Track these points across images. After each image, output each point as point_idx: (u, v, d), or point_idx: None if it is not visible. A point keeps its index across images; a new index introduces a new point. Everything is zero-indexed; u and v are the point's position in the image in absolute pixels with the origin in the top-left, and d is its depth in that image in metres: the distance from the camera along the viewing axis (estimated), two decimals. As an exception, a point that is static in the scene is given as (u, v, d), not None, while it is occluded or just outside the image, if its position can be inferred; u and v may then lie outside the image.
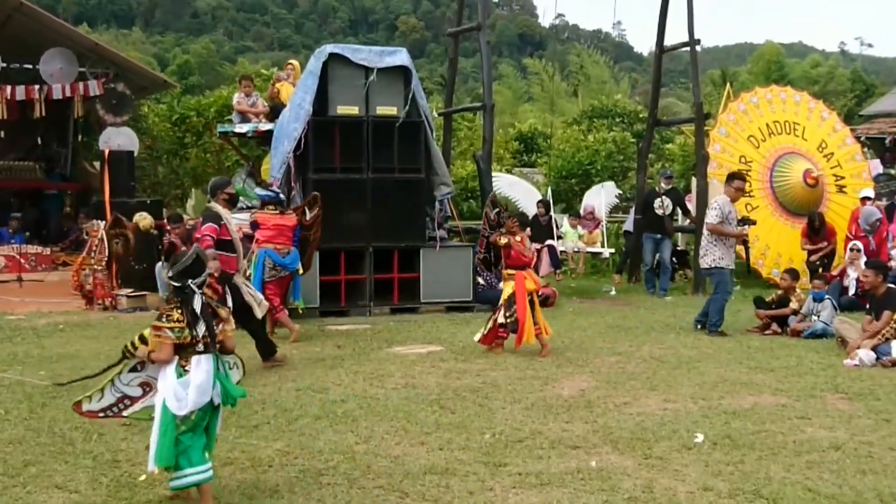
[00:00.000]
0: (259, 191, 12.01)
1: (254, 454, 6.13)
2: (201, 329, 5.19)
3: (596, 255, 17.83)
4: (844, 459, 6.08)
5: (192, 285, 5.24)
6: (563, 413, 7.32)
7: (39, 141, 22.01)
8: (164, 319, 5.18)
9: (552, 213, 16.54)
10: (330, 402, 7.70)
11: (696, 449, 6.30)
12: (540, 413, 7.31)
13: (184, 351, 5.18)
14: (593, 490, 5.48)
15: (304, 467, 5.89)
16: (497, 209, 13.54)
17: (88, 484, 5.51)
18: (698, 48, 16.50)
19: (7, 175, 21.25)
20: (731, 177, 12.10)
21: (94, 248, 13.99)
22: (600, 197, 17.53)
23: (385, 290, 13.29)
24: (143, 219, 14.22)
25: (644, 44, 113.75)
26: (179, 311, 5.18)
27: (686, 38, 16.39)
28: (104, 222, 14.34)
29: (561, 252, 16.39)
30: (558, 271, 16.37)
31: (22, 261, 16.62)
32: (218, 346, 5.31)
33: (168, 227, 14.20)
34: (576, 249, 16.68)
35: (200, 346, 5.19)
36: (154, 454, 5.09)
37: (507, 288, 10.12)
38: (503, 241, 10.18)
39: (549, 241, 16.08)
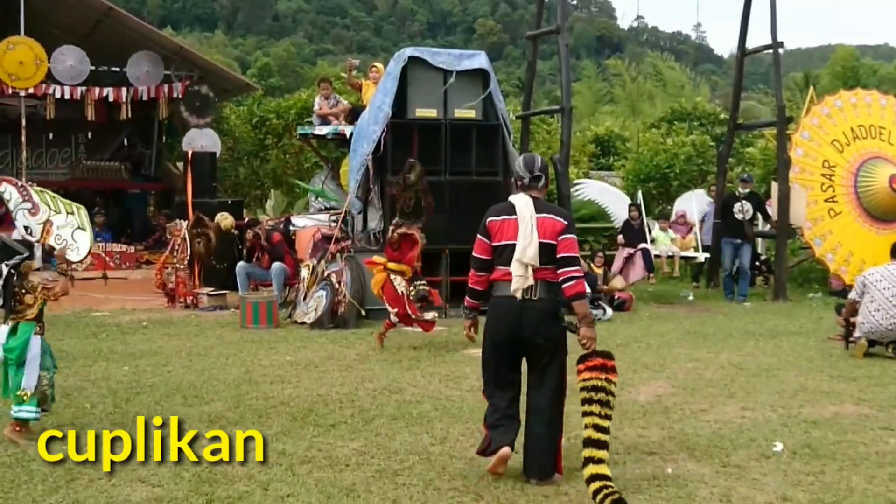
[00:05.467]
0: None
1: (331, 453, 6.21)
2: None
3: (690, 259, 17.67)
4: (929, 472, 5.94)
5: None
6: (638, 419, 7.28)
7: (125, 142, 22.57)
8: None
9: (644, 216, 16.38)
10: (406, 402, 7.77)
11: (774, 458, 6.21)
12: (615, 418, 7.20)
13: None
14: (669, 497, 5.44)
15: (381, 467, 5.94)
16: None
17: (171, 479, 5.63)
18: (781, 51, 16.25)
19: (94, 175, 21.83)
20: None
21: (176, 247, 14.24)
22: (692, 202, 17.31)
23: (461, 293, 13.27)
24: (225, 219, 14.48)
25: (724, 46, 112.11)
26: None
27: (768, 41, 16.15)
28: (186, 222, 14.62)
29: (655, 256, 16.26)
30: (651, 275, 16.22)
31: (107, 259, 17.01)
32: None
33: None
34: (669, 254, 16.51)
35: None
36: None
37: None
38: None
39: (642, 245, 15.92)
